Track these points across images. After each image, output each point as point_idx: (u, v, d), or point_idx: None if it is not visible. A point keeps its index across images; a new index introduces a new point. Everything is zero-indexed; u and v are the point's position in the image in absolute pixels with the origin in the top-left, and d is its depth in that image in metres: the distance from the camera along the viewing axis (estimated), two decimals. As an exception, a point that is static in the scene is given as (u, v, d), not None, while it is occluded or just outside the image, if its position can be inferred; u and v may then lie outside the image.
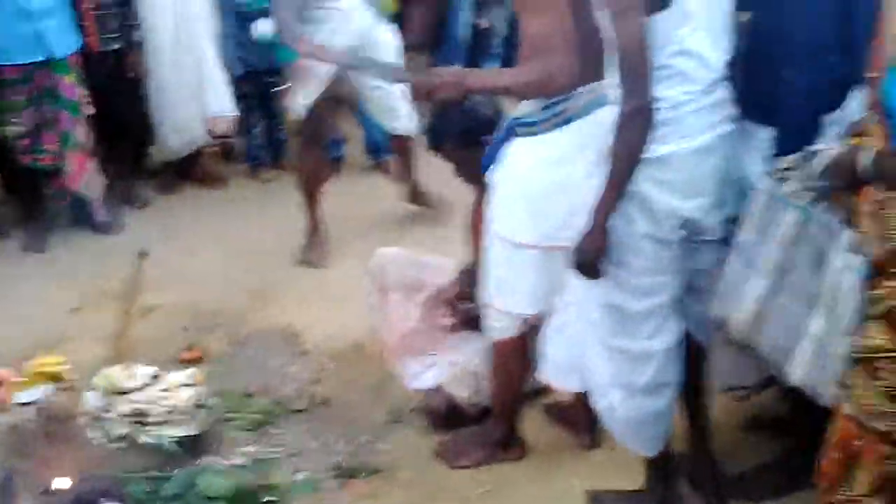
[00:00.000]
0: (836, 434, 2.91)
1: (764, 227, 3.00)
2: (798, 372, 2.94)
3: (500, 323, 3.67)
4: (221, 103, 6.07)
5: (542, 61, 3.31)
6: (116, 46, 5.74)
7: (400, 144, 5.77)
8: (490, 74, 3.46)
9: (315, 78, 5.04)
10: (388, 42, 5.33)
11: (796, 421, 3.59)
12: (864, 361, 2.78)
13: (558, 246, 3.41)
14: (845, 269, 2.78)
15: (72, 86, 5.45)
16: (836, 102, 3.09)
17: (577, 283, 3.26)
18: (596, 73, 3.31)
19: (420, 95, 3.57)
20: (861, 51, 3.03)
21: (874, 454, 2.82)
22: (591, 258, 3.11)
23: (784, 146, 3.08)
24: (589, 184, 3.22)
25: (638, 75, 2.95)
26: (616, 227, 3.07)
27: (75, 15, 5.50)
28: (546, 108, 3.39)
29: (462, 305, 4.12)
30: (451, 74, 3.50)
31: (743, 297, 3.04)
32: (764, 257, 2.99)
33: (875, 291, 2.73)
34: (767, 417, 3.79)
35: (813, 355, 2.89)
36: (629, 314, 3.18)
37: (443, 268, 4.29)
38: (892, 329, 2.71)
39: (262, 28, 5.80)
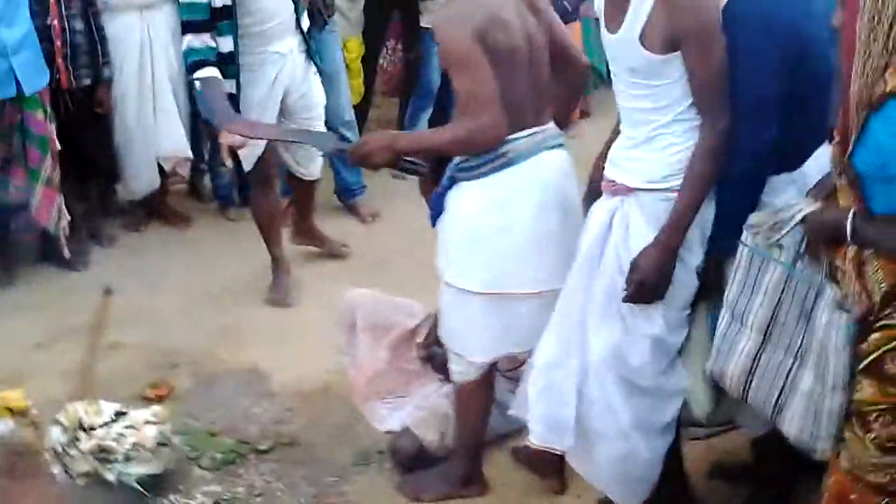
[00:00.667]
0: (831, 488, 2.93)
1: (750, 283, 3.02)
2: (793, 429, 2.95)
3: (460, 367, 3.69)
4: (174, 142, 6.04)
5: (469, 119, 3.37)
6: (86, 82, 5.74)
7: (305, 188, 5.76)
8: (420, 136, 3.56)
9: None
10: (319, 87, 5.38)
11: (761, 467, 3.62)
12: (856, 415, 2.81)
13: (507, 293, 3.47)
14: (831, 325, 2.81)
15: (42, 122, 5.42)
16: (790, 162, 3.13)
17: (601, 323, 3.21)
18: (537, 118, 3.46)
19: (355, 163, 3.66)
20: (818, 112, 3.08)
21: None
22: (654, 281, 3.08)
23: (724, 201, 3.12)
24: (534, 226, 3.32)
25: (723, 99, 3.02)
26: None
27: (45, 51, 5.48)
28: (488, 151, 3.43)
29: (429, 350, 4.13)
30: (381, 140, 3.56)
31: (735, 352, 3.06)
32: (752, 313, 3.01)
33: (862, 345, 2.76)
34: (732, 464, 3.80)
35: (805, 411, 2.91)
36: (666, 349, 3.20)
37: (412, 310, 4.31)
38: (879, 382, 2.74)
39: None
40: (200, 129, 6.22)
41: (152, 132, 5.99)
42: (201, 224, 6.41)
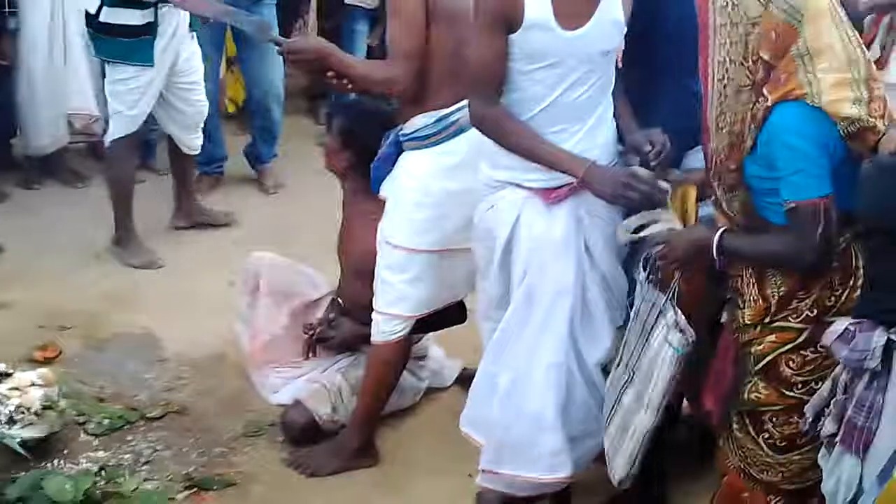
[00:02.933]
0: (723, 488, 2.99)
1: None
2: (607, 441, 3.07)
3: (387, 326, 3.74)
4: (82, 100, 5.94)
5: (386, 67, 3.50)
6: (-11, 31, 5.60)
7: (186, 163, 5.74)
8: (350, 62, 3.57)
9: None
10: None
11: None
12: (749, 415, 2.87)
13: (455, 249, 3.60)
14: (661, 347, 2.88)
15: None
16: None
17: None
18: None
19: (287, 57, 3.67)
20: None
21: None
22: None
23: None
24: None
25: None
26: None
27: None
28: (438, 120, 3.52)
29: (321, 331, 4.10)
30: (319, 47, 3.58)
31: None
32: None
33: (756, 348, 2.82)
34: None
35: (618, 427, 3.01)
36: None
37: (316, 281, 4.30)
38: (775, 383, 2.80)
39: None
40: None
41: (61, 87, 5.86)
42: (98, 183, 6.25)
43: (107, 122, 6.14)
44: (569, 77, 3.06)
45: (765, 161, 2.68)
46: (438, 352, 4.40)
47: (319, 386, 4.03)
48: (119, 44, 5.03)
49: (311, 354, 4.12)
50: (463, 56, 3.28)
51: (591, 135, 3.13)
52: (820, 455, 2.63)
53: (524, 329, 3.19)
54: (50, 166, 6.23)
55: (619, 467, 2.99)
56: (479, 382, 3.36)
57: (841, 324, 2.53)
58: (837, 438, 2.54)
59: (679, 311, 2.91)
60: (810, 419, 2.64)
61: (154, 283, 5.12)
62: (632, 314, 3.08)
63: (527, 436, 3.20)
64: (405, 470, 3.90)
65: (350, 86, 3.56)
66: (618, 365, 3.11)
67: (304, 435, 3.96)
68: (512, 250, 3.22)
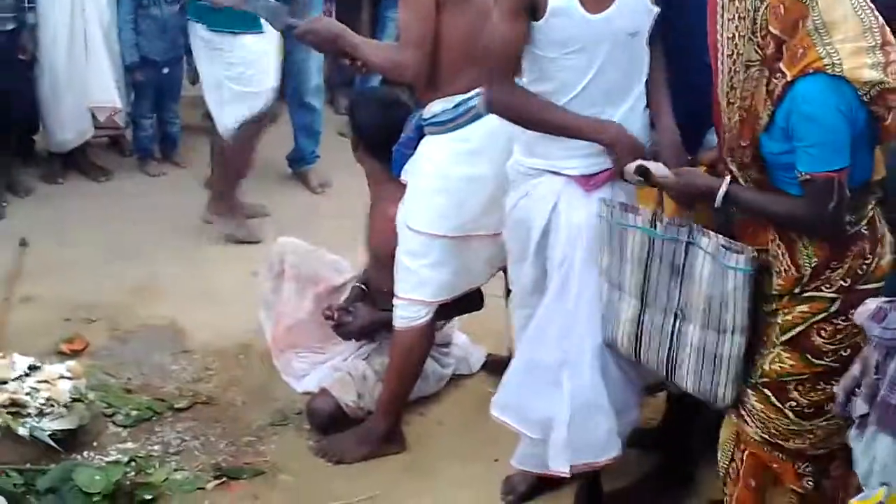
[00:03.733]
0: (747, 462, 2.98)
1: (616, 251, 3.09)
2: (689, 384, 3.02)
3: (409, 312, 3.76)
4: (104, 93, 5.97)
5: (396, 52, 3.56)
6: (10, 27, 5.61)
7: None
8: (362, 44, 3.63)
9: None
10: None
11: (668, 433, 3.70)
12: (771, 386, 2.86)
13: (475, 235, 3.63)
14: (718, 275, 2.85)
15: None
16: None
17: None
18: None
19: (300, 39, 3.76)
20: None
21: (792, 473, 2.92)
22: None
23: None
24: (501, 174, 3.39)
25: None
26: None
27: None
28: (456, 105, 3.55)
29: (341, 317, 4.11)
30: (331, 28, 3.66)
31: (620, 319, 3.12)
32: (626, 279, 3.08)
33: (783, 318, 2.82)
34: (646, 432, 3.85)
35: (696, 365, 2.97)
36: None
37: (340, 266, 4.31)
38: (804, 352, 2.80)
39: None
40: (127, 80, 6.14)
41: (83, 81, 5.89)
42: (121, 177, 6.30)
43: (128, 115, 6.22)
44: (596, 61, 3.04)
45: (783, 135, 2.68)
46: (463, 339, 4.41)
47: (344, 373, 4.05)
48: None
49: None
50: (479, 41, 3.28)
51: (625, 120, 3.10)
52: (851, 436, 2.62)
53: (566, 315, 3.19)
54: (73, 161, 6.26)
55: (728, 394, 2.94)
56: (518, 369, 3.34)
57: (873, 302, 2.53)
58: (870, 419, 2.53)
59: (716, 234, 2.89)
60: (842, 400, 2.63)
61: (178, 275, 5.14)
62: (633, 261, 3.05)
63: (586, 421, 3.19)
64: (432, 456, 3.91)
65: (364, 68, 3.63)
66: (641, 315, 3.07)
67: (330, 423, 3.98)
68: (549, 237, 3.21)
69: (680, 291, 2.97)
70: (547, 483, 3.61)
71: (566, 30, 3.01)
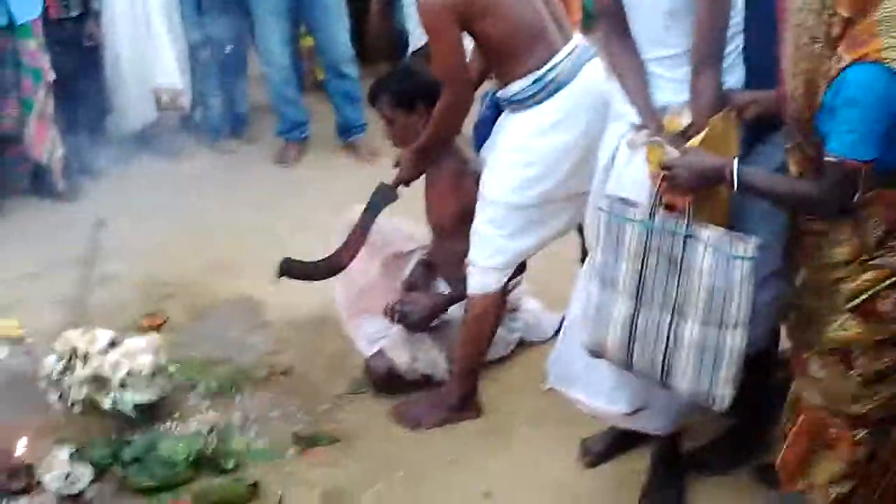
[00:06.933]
0: (802, 426, 2.97)
1: (612, 247, 3.04)
2: (685, 384, 2.98)
3: (484, 279, 3.79)
4: (167, 74, 6.05)
5: (443, 97, 3.69)
6: (75, 13, 5.70)
7: None
8: (420, 142, 3.95)
9: None
10: None
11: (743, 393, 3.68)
12: (835, 353, 2.84)
13: (554, 201, 3.68)
14: (721, 266, 2.82)
15: (35, 52, 5.40)
16: None
17: None
18: (565, 37, 3.61)
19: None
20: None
21: (848, 441, 2.89)
22: None
23: None
24: (584, 142, 3.49)
25: None
26: None
27: (35, -20, 5.44)
28: (535, 82, 3.57)
29: (399, 307, 4.13)
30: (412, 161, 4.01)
31: (610, 321, 3.07)
32: (621, 278, 3.03)
33: (849, 285, 2.79)
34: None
35: (697, 362, 2.93)
36: None
37: (410, 234, 4.33)
38: (870, 320, 2.78)
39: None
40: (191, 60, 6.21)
41: (146, 64, 5.98)
42: (192, 156, 6.38)
43: (193, 95, 6.29)
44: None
45: (830, 117, 2.64)
46: (535, 304, 4.42)
47: (401, 335, 4.09)
48: None
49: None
50: (534, 12, 3.42)
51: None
52: None
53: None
54: (144, 141, 6.35)
55: (727, 395, 2.94)
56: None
57: None
58: None
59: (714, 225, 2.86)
60: None
61: (252, 249, 5.18)
62: (629, 256, 3.00)
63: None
64: (507, 421, 3.94)
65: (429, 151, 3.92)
66: (635, 315, 3.01)
67: (386, 383, 4.04)
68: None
69: (678, 287, 2.93)
70: (623, 444, 3.63)
71: None
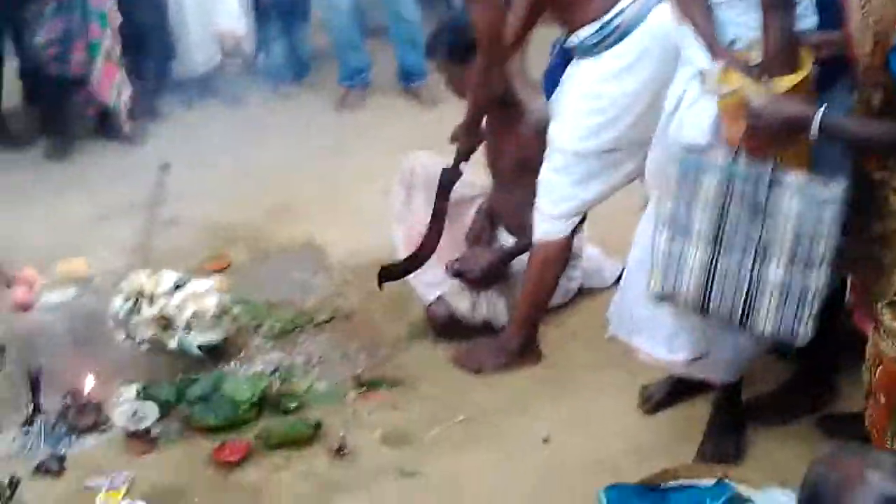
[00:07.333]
0: (881, 378, 2.94)
1: (687, 195, 2.97)
2: (769, 325, 2.94)
3: (550, 226, 3.80)
4: (231, 19, 6.08)
5: (478, 60, 3.70)
6: (142, -42, 5.74)
7: None
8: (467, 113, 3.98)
9: None
10: None
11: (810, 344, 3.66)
12: None
13: (623, 148, 3.65)
14: (811, 209, 2.79)
15: (101, -5, 5.45)
16: None
17: None
18: None
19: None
20: None
21: None
22: None
23: None
24: (653, 87, 3.44)
25: None
26: None
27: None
28: (600, 28, 3.54)
29: (465, 266, 4.14)
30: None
31: (686, 268, 3.02)
32: (696, 224, 2.97)
33: None
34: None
35: (779, 303, 2.91)
36: None
37: (471, 180, 4.32)
38: None
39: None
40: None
41: (208, 8, 6.02)
42: (255, 101, 6.40)
43: (256, 40, 6.31)
44: None
45: None
46: (595, 252, 4.41)
47: (459, 282, 4.11)
48: None
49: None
50: None
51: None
52: None
53: None
54: (207, 86, 6.38)
55: (809, 331, 2.89)
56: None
57: None
58: None
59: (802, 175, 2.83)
60: None
61: (314, 194, 5.23)
62: (707, 205, 2.95)
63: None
64: (568, 367, 3.94)
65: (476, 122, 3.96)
66: (713, 260, 2.97)
67: (445, 328, 4.07)
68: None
69: (762, 230, 2.88)
70: (683, 391, 3.63)
71: None
